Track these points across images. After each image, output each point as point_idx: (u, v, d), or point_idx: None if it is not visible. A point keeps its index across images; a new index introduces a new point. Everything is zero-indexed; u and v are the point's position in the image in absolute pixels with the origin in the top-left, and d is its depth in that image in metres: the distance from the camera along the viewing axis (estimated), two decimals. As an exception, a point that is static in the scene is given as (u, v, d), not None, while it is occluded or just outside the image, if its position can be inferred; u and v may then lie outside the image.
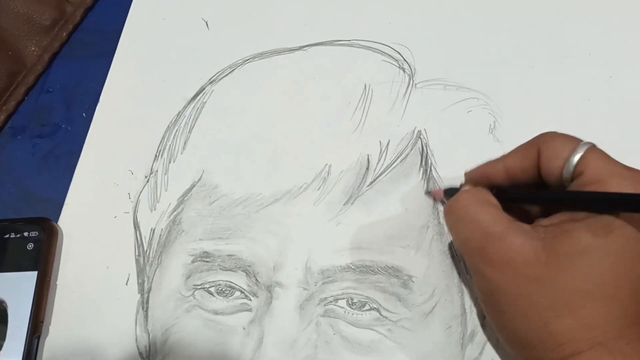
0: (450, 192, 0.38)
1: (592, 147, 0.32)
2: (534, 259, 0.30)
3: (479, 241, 0.32)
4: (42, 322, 0.41)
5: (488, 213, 0.33)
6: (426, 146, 0.43)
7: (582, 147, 0.32)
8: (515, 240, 0.31)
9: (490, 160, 0.36)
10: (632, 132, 0.42)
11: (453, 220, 0.35)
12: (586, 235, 0.29)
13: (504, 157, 0.35)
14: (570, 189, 0.32)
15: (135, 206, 0.44)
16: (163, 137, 0.46)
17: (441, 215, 0.41)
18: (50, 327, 0.41)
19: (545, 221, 0.33)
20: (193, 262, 0.41)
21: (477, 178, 0.36)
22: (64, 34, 0.51)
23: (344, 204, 0.41)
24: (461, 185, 0.37)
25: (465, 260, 0.36)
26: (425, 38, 0.47)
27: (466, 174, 0.37)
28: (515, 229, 0.31)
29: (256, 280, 0.40)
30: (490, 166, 0.36)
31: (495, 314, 0.33)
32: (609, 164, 0.31)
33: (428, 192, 0.41)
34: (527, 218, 0.35)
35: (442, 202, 0.40)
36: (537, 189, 0.34)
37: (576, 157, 0.31)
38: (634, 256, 0.29)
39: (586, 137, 0.41)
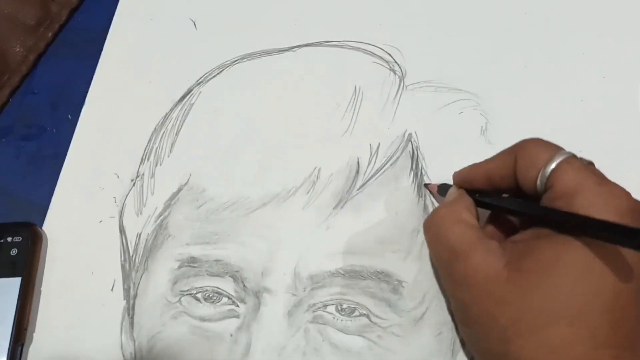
0: (443, 189, 0.38)
1: (569, 158, 0.31)
2: (494, 276, 0.30)
3: (447, 260, 0.33)
4: (25, 330, 0.40)
5: (458, 231, 0.32)
6: (417, 149, 0.42)
7: (557, 158, 0.31)
8: (478, 258, 0.31)
9: (474, 164, 0.36)
10: (625, 132, 0.41)
11: (428, 238, 0.36)
12: (550, 252, 0.29)
13: (486, 162, 0.35)
14: (542, 201, 0.31)
15: (121, 210, 0.43)
16: (150, 140, 0.45)
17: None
18: (35, 335, 0.40)
19: (517, 236, 0.33)
20: (180, 267, 0.40)
21: (462, 182, 0.37)
22: (50, 34, 0.50)
23: (333, 208, 0.41)
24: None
25: (440, 277, 0.37)
26: (416, 39, 0.46)
27: (454, 176, 0.37)
28: (480, 246, 0.31)
29: (244, 286, 0.39)
30: (473, 170, 0.36)
31: (463, 330, 0.34)
32: (582, 178, 0.30)
33: (426, 185, 0.41)
34: (514, 230, 0.35)
35: (434, 196, 0.41)
36: (517, 196, 0.34)
37: (549, 169, 0.31)
38: (601, 274, 0.28)
39: (579, 138, 0.41)
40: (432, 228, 0.35)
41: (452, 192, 0.37)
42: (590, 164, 0.33)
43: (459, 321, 0.34)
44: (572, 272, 0.28)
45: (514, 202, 0.33)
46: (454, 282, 0.32)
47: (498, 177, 0.34)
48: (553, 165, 0.30)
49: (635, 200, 0.29)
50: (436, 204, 0.41)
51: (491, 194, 0.35)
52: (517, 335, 0.29)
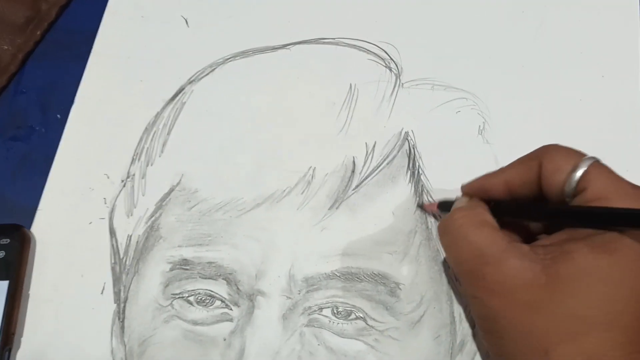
0: (444, 206, 0.37)
1: (596, 162, 0.30)
2: (533, 283, 0.28)
3: (475, 264, 0.31)
4: (13, 334, 0.39)
5: (484, 234, 0.31)
6: (414, 148, 0.41)
7: (586, 162, 0.30)
8: (512, 263, 0.29)
9: (488, 173, 0.35)
10: (624, 131, 0.41)
11: (447, 241, 0.34)
12: (587, 256, 0.28)
13: (503, 170, 0.34)
14: (572, 205, 0.31)
15: (111, 212, 0.42)
16: (140, 140, 0.44)
17: (429, 220, 0.39)
18: (22, 339, 0.39)
19: (545, 240, 0.31)
20: (171, 270, 0.39)
21: (475, 191, 0.35)
22: (39, 33, 0.49)
23: (328, 209, 0.40)
24: (456, 199, 0.36)
25: (461, 283, 0.35)
26: (412, 36, 0.45)
27: (463, 187, 0.36)
28: (513, 250, 0.30)
29: (237, 288, 0.38)
30: (489, 179, 0.34)
31: (493, 340, 0.31)
32: (614, 181, 0.30)
33: (420, 206, 0.39)
34: (527, 236, 0.33)
35: (435, 216, 0.39)
36: (537, 203, 0.33)
37: (579, 172, 0.30)
38: (638, 279, 0.27)
39: (578, 137, 0.40)
40: (453, 231, 0.33)
41: (463, 200, 0.35)
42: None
43: (484, 330, 0.32)
44: (610, 278, 0.27)
45: (546, 208, 0.32)
46: (484, 288, 0.30)
47: (520, 183, 0.33)
48: (584, 169, 0.30)
49: None
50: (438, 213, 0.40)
51: (509, 202, 0.34)
52: (557, 343, 0.28)
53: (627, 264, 0.27)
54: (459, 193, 0.39)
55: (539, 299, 0.28)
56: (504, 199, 0.34)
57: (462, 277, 0.32)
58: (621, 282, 0.27)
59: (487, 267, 0.30)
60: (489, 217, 0.32)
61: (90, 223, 0.42)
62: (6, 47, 0.49)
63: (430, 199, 0.40)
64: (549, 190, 0.31)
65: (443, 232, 0.34)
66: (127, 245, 0.41)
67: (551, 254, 0.29)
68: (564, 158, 0.31)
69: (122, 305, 0.39)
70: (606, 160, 0.39)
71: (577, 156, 0.31)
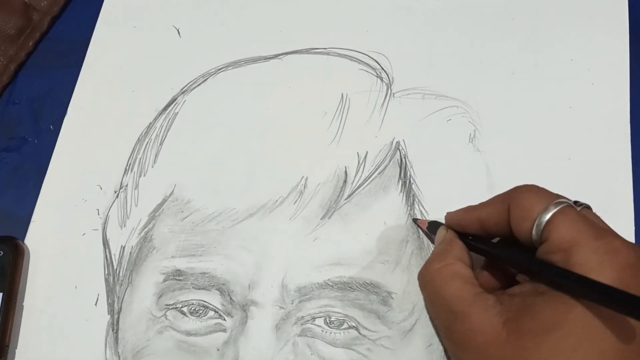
0: (433, 226, 0.37)
1: (564, 208, 0.29)
2: (495, 338, 0.29)
3: (445, 320, 0.32)
4: (7, 346, 0.39)
5: (453, 288, 0.31)
6: (405, 157, 0.42)
7: (552, 209, 0.29)
8: (476, 318, 0.29)
9: (470, 206, 0.35)
10: (613, 139, 0.41)
11: (424, 295, 0.35)
12: (548, 312, 0.28)
13: (478, 207, 0.34)
14: (537, 254, 0.30)
15: (105, 223, 0.42)
16: (133, 150, 0.44)
17: (421, 229, 0.39)
18: (17, 351, 0.39)
19: (516, 288, 0.31)
20: (165, 280, 0.40)
21: (454, 224, 0.35)
22: (31, 43, 0.49)
23: (321, 219, 0.40)
24: (440, 228, 0.37)
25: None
26: (403, 46, 0.45)
27: (446, 217, 0.36)
28: (478, 305, 0.30)
29: (230, 299, 0.38)
30: (466, 214, 0.35)
31: None
32: (577, 232, 0.28)
33: (415, 220, 0.40)
34: (510, 276, 0.34)
35: (425, 233, 0.39)
36: (512, 243, 0.32)
37: (543, 220, 0.29)
38: (603, 336, 0.27)
39: (567, 145, 0.41)
40: (428, 286, 0.33)
41: (443, 236, 0.35)
42: (587, 207, 0.31)
43: None
44: (573, 335, 0.27)
45: (509, 253, 0.32)
46: (454, 342, 0.31)
47: (491, 224, 0.33)
48: (548, 217, 0.29)
49: (637, 254, 0.28)
50: (426, 215, 0.40)
51: (485, 240, 0.34)
52: None
53: (590, 321, 0.27)
54: (450, 202, 0.40)
55: (501, 355, 0.28)
56: (481, 235, 0.34)
57: (438, 330, 0.33)
58: (584, 339, 0.27)
59: (455, 323, 0.30)
60: (459, 267, 0.32)
61: (84, 234, 0.42)
62: (-2, 58, 0.49)
63: (421, 208, 0.40)
64: (518, 235, 0.31)
65: (421, 285, 0.34)
66: (121, 257, 0.41)
67: (515, 307, 0.29)
68: (530, 203, 0.30)
69: (115, 316, 0.40)
70: (595, 168, 0.40)
71: (545, 200, 0.30)
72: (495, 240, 0.34)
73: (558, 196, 0.31)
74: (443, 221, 0.37)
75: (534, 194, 0.31)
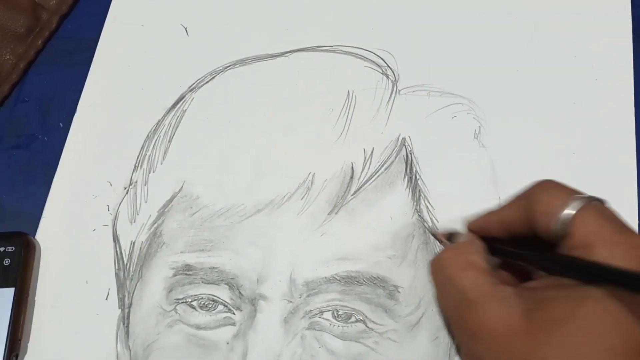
0: (451, 237, 0.37)
1: (585, 204, 0.30)
2: (512, 329, 0.28)
3: (457, 308, 0.31)
4: (20, 340, 0.39)
5: (468, 277, 0.31)
6: (411, 153, 0.42)
7: (574, 204, 0.30)
8: (492, 308, 0.29)
9: (490, 211, 0.35)
10: (618, 135, 0.41)
11: (435, 282, 0.34)
12: (563, 304, 0.28)
13: (499, 210, 0.34)
14: (559, 250, 0.30)
15: (115, 219, 0.43)
16: (142, 147, 0.45)
17: (426, 224, 0.40)
18: (29, 345, 0.40)
19: (534, 283, 0.31)
20: (174, 275, 0.40)
21: (476, 229, 0.35)
22: (40, 42, 0.50)
23: (328, 214, 0.41)
24: (460, 235, 0.37)
25: (450, 324, 0.36)
26: (408, 43, 0.46)
27: (467, 224, 0.36)
28: (495, 295, 0.30)
29: (239, 293, 0.39)
30: (487, 217, 0.35)
31: None
32: (600, 227, 0.29)
33: (432, 233, 0.40)
34: (528, 274, 0.34)
35: (440, 242, 0.39)
36: (534, 242, 0.32)
37: (565, 216, 0.29)
38: (615, 328, 0.27)
39: (572, 141, 0.41)
40: (440, 272, 0.33)
41: (463, 237, 0.36)
42: (602, 202, 0.31)
43: None
44: (582, 329, 0.27)
45: (533, 254, 0.32)
46: (467, 332, 0.30)
47: (513, 224, 0.33)
48: (570, 212, 0.29)
49: None
50: (433, 213, 0.40)
51: (508, 242, 0.34)
52: None
53: (602, 314, 0.27)
54: (456, 197, 0.41)
55: (517, 346, 0.28)
56: (503, 238, 0.34)
57: (449, 319, 0.33)
58: (597, 332, 0.27)
59: (469, 312, 0.30)
60: (476, 258, 0.32)
61: (94, 230, 0.43)
62: (8, 57, 0.49)
63: (427, 204, 0.41)
64: (540, 232, 0.31)
65: (433, 272, 0.34)
66: (131, 252, 0.42)
67: (533, 299, 0.29)
68: (552, 199, 0.30)
69: (126, 310, 0.40)
70: (600, 164, 0.40)
71: (567, 196, 0.30)
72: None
73: (576, 191, 0.31)
74: (459, 230, 0.37)
75: (553, 190, 0.31)
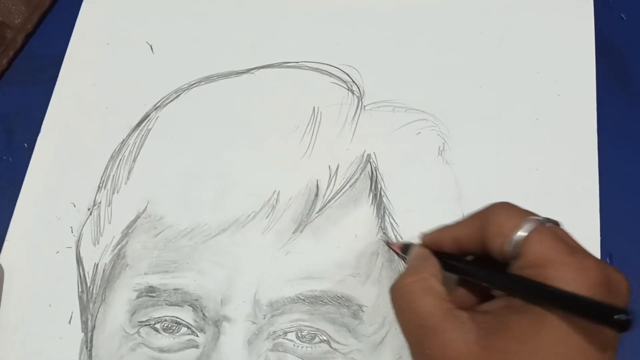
0: (406, 248, 0.37)
1: (538, 226, 0.30)
2: (467, 355, 0.28)
3: (416, 335, 0.31)
4: (-19, 365, 0.39)
5: (426, 303, 0.31)
6: (376, 170, 0.42)
7: (527, 226, 0.30)
8: (448, 335, 0.29)
9: (445, 225, 0.35)
10: (580, 151, 0.42)
11: (396, 308, 0.34)
12: (520, 327, 0.28)
13: (453, 227, 0.34)
14: (511, 270, 0.30)
15: (78, 240, 0.42)
16: (106, 167, 0.44)
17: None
18: (-9, 370, 0.40)
19: (488, 305, 0.31)
20: (138, 297, 0.40)
21: (430, 244, 0.35)
22: (5, 61, 0.49)
23: (293, 232, 0.41)
24: (412, 247, 0.37)
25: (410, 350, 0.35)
26: (373, 59, 0.46)
27: (422, 237, 0.36)
28: (450, 321, 0.30)
29: (203, 315, 0.39)
30: (442, 233, 0.35)
31: None
32: (551, 248, 0.29)
33: (387, 243, 0.40)
34: (486, 291, 0.34)
35: (398, 254, 0.39)
36: (488, 260, 0.32)
37: (517, 237, 0.30)
38: (576, 349, 0.27)
39: (534, 156, 0.41)
40: (399, 300, 0.33)
41: (417, 253, 0.36)
42: (557, 224, 0.31)
43: None
44: (545, 350, 0.27)
45: (483, 272, 0.32)
46: (425, 358, 0.30)
47: (467, 242, 0.33)
48: (522, 234, 0.30)
49: (606, 272, 0.28)
50: (397, 230, 0.40)
51: (459, 258, 0.34)
52: None
53: (562, 336, 0.27)
54: (420, 214, 0.41)
55: None
56: (455, 254, 0.34)
57: (409, 345, 0.32)
58: (557, 355, 0.27)
59: (427, 339, 0.30)
60: (433, 282, 0.32)
61: (58, 252, 0.42)
62: (-28, 76, 0.49)
63: (392, 220, 0.41)
64: (492, 251, 0.31)
65: (392, 299, 0.34)
66: (94, 274, 0.41)
67: (488, 323, 0.29)
68: (506, 220, 0.31)
69: (89, 334, 0.40)
70: (563, 179, 0.40)
71: (521, 218, 0.30)
72: (469, 258, 0.34)
73: (531, 213, 0.31)
74: (414, 242, 0.37)
75: (507, 211, 0.31)
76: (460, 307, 0.31)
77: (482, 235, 0.32)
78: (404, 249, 0.38)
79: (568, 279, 0.27)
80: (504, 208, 0.32)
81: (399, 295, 0.33)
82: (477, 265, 0.33)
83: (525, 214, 0.31)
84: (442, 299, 0.31)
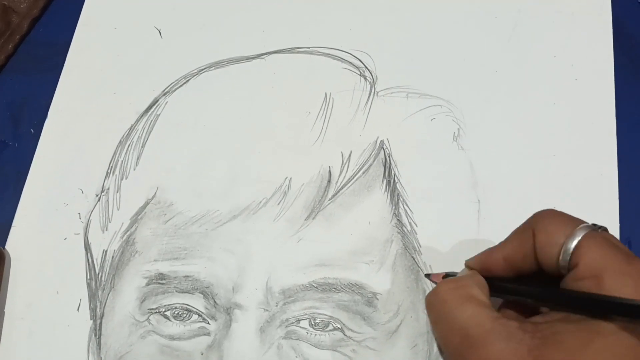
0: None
1: (591, 232, 0.29)
2: None
3: (459, 345, 0.29)
4: (-12, 353, 0.38)
5: (469, 311, 0.29)
6: (389, 156, 0.41)
7: (579, 233, 0.29)
8: (497, 346, 0.27)
9: (490, 248, 0.33)
10: (598, 135, 0.41)
11: (433, 317, 0.32)
12: (576, 340, 0.26)
13: (501, 245, 0.33)
14: (565, 281, 0.29)
15: (86, 227, 0.42)
16: (115, 153, 0.43)
17: (405, 228, 0.39)
18: (-2, 358, 0.39)
19: (540, 317, 0.30)
20: (148, 284, 0.39)
21: (477, 269, 0.33)
22: (10, 46, 0.48)
23: (305, 219, 0.40)
24: (460, 273, 0.35)
25: None
26: (386, 44, 0.45)
27: (466, 264, 0.34)
28: (498, 331, 0.28)
29: (214, 302, 0.38)
30: (489, 255, 0.33)
31: None
32: (607, 256, 0.28)
33: (428, 275, 0.38)
34: (532, 309, 0.32)
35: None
36: (535, 280, 0.31)
37: (571, 246, 0.28)
38: None
39: (552, 142, 0.41)
40: (437, 307, 0.31)
41: (461, 273, 0.34)
42: (605, 230, 0.30)
43: None
44: None
45: (536, 289, 0.30)
46: None
47: (519, 258, 0.31)
48: (575, 242, 0.28)
49: None
50: (412, 217, 0.40)
51: (509, 280, 0.32)
52: None
53: (617, 349, 0.26)
54: (434, 200, 0.40)
55: None
56: (506, 276, 0.32)
57: (448, 355, 0.31)
58: None
59: (472, 349, 0.28)
60: (475, 291, 0.30)
61: (65, 239, 0.41)
62: (-22, 62, 0.48)
63: (406, 207, 0.40)
64: (544, 264, 0.30)
65: (429, 307, 0.33)
66: (103, 261, 0.40)
67: (540, 334, 0.27)
68: (556, 228, 0.29)
69: (98, 321, 0.39)
70: (581, 164, 0.40)
71: (571, 225, 0.29)
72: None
73: (580, 220, 0.30)
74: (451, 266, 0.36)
75: (557, 219, 0.30)
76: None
77: (533, 246, 0.30)
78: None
79: (629, 288, 0.26)
80: (553, 215, 0.30)
81: (436, 302, 0.32)
82: (529, 283, 0.31)
83: (575, 221, 0.30)
84: (485, 306, 0.30)
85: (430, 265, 0.38)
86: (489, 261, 0.33)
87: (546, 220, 0.30)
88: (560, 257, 0.29)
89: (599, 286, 0.27)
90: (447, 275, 0.35)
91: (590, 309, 0.27)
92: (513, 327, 0.28)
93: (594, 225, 0.30)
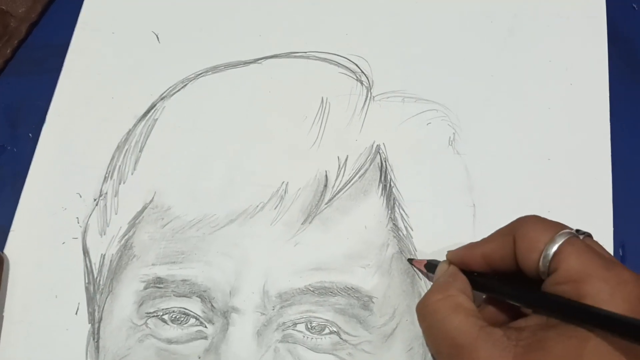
0: (431, 266, 0.37)
1: (571, 239, 0.29)
2: None
3: (448, 354, 0.30)
4: (-13, 357, 0.39)
5: (457, 321, 0.30)
6: (385, 161, 0.42)
7: (559, 239, 0.29)
8: (483, 354, 0.28)
9: (472, 243, 0.34)
10: (593, 139, 0.41)
11: (424, 327, 0.33)
12: (560, 346, 0.27)
13: (481, 243, 0.33)
14: (544, 285, 0.30)
15: (84, 231, 0.42)
16: (113, 157, 0.44)
17: (401, 232, 0.39)
18: (-4, 362, 0.39)
19: (523, 321, 0.30)
20: (145, 288, 0.39)
21: (457, 262, 0.34)
22: (8, 51, 0.49)
23: (302, 224, 0.40)
24: (440, 263, 0.36)
25: None
26: (382, 49, 0.45)
27: (448, 254, 0.35)
28: (484, 339, 0.29)
29: (212, 306, 0.38)
30: (469, 250, 0.34)
31: None
32: (587, 262, 0.28)
33: (410, 260, 0.39)
34: (514, 310, 0.33)
35: (421, 272, 0.39)
36: (516, 278, 0.32)
37: (551, 252, 0.29)
38: None
39: (547, 146, 0.41)
40: (427, 317, 0.32)
41: (444, 270, 0.35)
42: (589, 236, 0.31)
43: None
44: None
45: (516, 291, 0.31)
46: None
47: (497, 258, 0.32)
48: (555, 247, 0.29)
49: None
50: (408, 221, 0.40)
51: (489, 276, 0.33)
52: None
53: (604, 355, 0.26)
54: (430, 204, 0.40)
55: None
56: (484, 272, 0.33)
57: None
58: None
59: (459, 357, 0.29)
60: (462, 299, 0.31)
61: (64, 243, 0.42)
62: (-24, 66, 0.48)
63: (402, 212, 0.40)
64: (524, 267, 0.30)
65: (419, 318, 0.33)
66: (101, 265, 0.41)
67: (524, 341, 0.28)
68: (537, 234, 0.30)
69: (96, 325, 0.39)
70: (575, 169, 0.40)
71: (552, 230, 0.30)
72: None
73: (563, 226, 0.30)
74: (439, 260, 0.36)
75: (539, 224, 0.31)
76: (490, 324, 0.30)
77: (513, 250, 0.31)
78: (429, 267, 0.37)
79: (607, 295, 0.27)
80: (536, 221, 0.31)
81: (426, 313, 0.32)
82: (508, 283, 0.32)
83: (557, 227, 0.30)
84: (473, 315, 0.30)
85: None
86: (468, 256, 0.34)
87: (528, 226, 0.31)
88: (540, 263, 0.29)
89: (577, 291, 0.28)
90: (429, 264, 0.37)
91: (572, 316, 0.27)
92: (498, 335, 0.29)
93: (578, 230, 0.30)
